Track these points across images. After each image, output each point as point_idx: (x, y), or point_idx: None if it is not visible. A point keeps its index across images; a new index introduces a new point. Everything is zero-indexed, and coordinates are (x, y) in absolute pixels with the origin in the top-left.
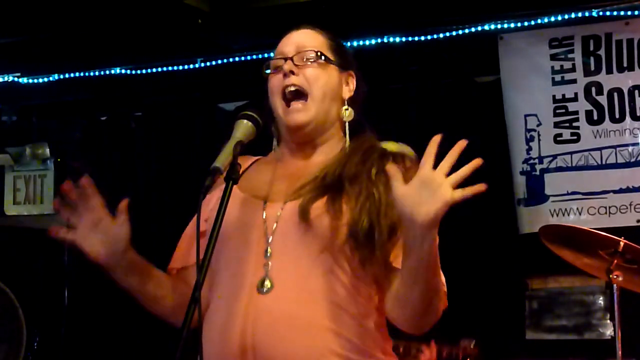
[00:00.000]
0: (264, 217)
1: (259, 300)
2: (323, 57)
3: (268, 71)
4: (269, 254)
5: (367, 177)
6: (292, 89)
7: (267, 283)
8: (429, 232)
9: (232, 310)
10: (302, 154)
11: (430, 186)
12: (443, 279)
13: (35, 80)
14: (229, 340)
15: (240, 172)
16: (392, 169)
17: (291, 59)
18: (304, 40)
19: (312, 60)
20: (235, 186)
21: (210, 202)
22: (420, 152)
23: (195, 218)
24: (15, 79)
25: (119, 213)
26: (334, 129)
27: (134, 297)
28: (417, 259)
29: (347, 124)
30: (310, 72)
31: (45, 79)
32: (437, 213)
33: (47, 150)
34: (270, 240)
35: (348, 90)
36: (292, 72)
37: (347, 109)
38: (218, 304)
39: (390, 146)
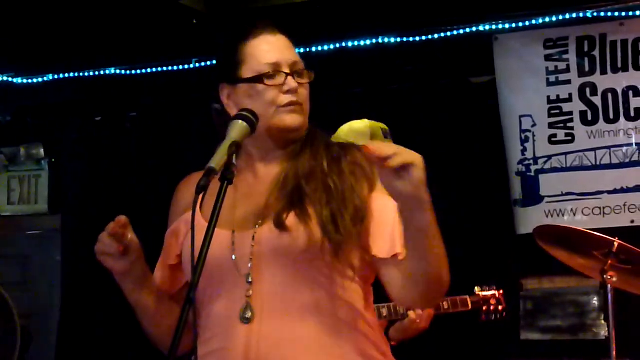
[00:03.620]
0: (233, 246)
1: (246, 330)
2: (312, 78)
3: (265, 82)
4: (250, 280)
5: (321, 171)
6: (293, 105)
7: (248, 311)
8: (419, 200)
9: (225, 344)
10: (262, 165)
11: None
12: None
13: (30, 81)
14: None
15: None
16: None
17: (292, 75)
18: (292, 54)
19: (306, 82)
20: (200, 216)
21: (180, 234)
22: (417, 150)
23: (163, 245)
24: (10, 79)
25: (124, 227)
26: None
27: (140, 317)
28: (418, 231)
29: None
30: (304, 92)
31: (40, 79)
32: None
33: (42, 151)
34: (250, 266)
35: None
36: (294, 91)
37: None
38: (211, 340)
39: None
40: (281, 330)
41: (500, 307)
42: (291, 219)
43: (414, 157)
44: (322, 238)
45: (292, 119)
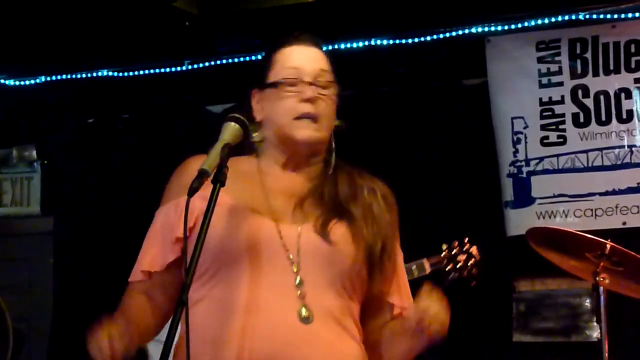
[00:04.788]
0: (281, 238)
1: (300, 329)
2: (337, 92)
3: (283, 87)
4: (298, 282)
5: (363, 197)
6: (309, 116)
7: (304, 311)
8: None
9: (227, 329)
10: (290, 169)
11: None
12: None
13: (22, 82)
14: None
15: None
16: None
17: (314, 84)
18: (319, 65)
19: (331, 93)
20: (222, 193)
21: (195, 209)
22: (409, 152)
23: (159, 220)
24: (2, 80)
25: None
26: (324, 151)
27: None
28: (409, 350)
29: (334, 149)
30: (325, 106)
31: (33, 81)
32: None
33: (34, 153)
34: (298, 269)
35: (337, 116)
36: (316, 99)
37: (332, 137)
38: (205, 317)
39: None
40: (323, 338)
41: (471, 261)
42: (340, 232)
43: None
44: (364, 260)
45: (301, 134)
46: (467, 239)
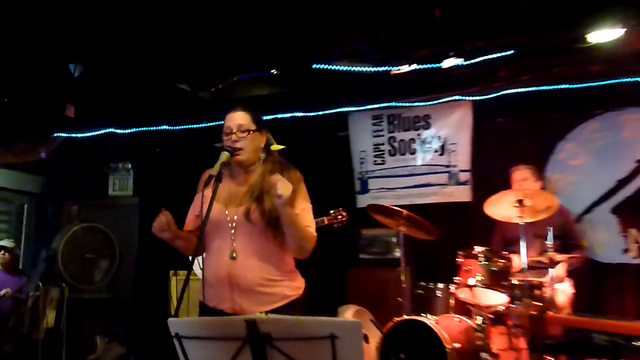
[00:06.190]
0: (227, 216)
1: (231, 262)
2: (250, 132)
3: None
4: (233, 238)
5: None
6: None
7: (234, 254)
8: (284, 207)
9: (219, 263)
10: (242, 174)
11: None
12: (309, 230)
13: (124, 131)
14: (219, 275)
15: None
16: (273, 180)
17: (234, 133)
18: (240, 120)
19: (245, 135)
20: (212, 194)
21: (202, 199)
22: (311, 167)
23: (194, 203)
24: (114, 130)
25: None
26: (258, 162)
27: (178, 247)
28: (283, 221)
29: (261, 160)
30: (243, 143)
31: (128, 130)
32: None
33: (130, 165)
34: (233, 232)
35: (263, 142)
36: (236, 141)
37: (262, 154)
38: (211, 258)
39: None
40: (247, 261)
41: (343, 218)
42: (255, 211)
43: (282, 192)
44: (267, 224)
45: (235, 159)
46: (341, 209)
